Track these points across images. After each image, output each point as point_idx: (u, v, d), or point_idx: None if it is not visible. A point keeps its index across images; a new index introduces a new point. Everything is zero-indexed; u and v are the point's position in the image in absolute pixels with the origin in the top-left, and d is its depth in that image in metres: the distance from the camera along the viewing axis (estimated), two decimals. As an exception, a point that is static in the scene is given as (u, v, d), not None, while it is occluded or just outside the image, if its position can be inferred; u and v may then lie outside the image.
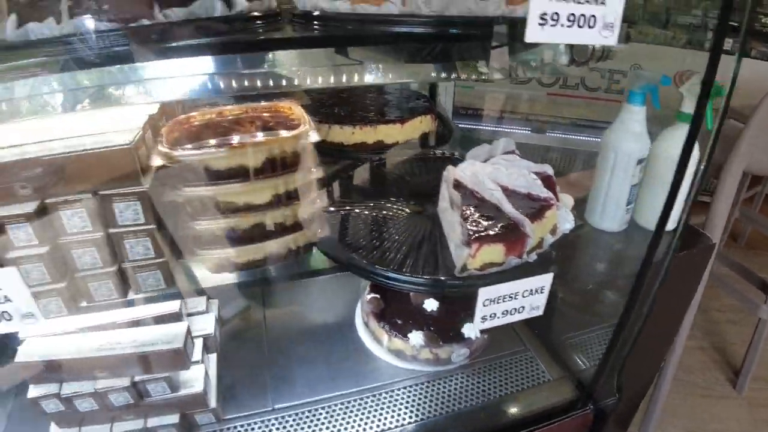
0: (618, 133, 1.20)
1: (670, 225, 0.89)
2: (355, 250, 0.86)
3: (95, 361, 0.89)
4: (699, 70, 1.34)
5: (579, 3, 0.59)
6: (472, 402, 1.03)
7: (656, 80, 1.29)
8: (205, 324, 1.04)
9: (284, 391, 1.04)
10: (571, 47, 0.87)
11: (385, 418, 0.99)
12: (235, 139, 0.73)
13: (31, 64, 0.69)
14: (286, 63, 0.75)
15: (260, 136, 0.73)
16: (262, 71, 0.74)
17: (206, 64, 0.72)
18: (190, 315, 1.05)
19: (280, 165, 0.72)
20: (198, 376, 0.94)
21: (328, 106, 1.23)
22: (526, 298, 0.76)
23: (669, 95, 1.23)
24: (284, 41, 0.74)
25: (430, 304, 1.09)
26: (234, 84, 0.72)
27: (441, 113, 1.27)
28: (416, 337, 1.02)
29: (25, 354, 0.89)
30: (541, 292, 0.77)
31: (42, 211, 0.73)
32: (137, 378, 0.90)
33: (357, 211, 1.01)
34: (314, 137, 0.73)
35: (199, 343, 0.99)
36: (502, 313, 0.76)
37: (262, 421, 1.00)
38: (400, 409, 1.01)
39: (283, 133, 0.72)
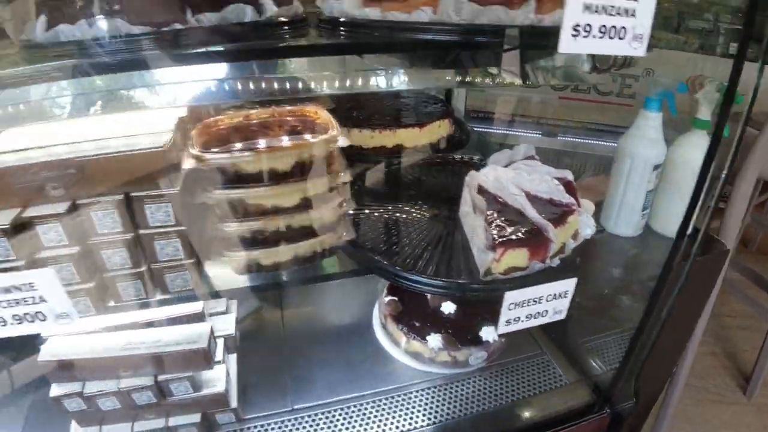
0: (634, 139, 1.21)
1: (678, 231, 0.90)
2: (378, 253, 0.87)
3: (120, 360, 0.90)
4: (711, 75, 1.35)
5: (611, 15, 0.60)
6: (489, 405, 1.04)
7: (672, 87, 1.30)
8: (226, 324, 1.05)
9: (303, 391, 1.05)
10: (593, 55, 0.88)
11: (404, 420, 1.00)
12: (267, 142, 0.74)
13: (52, 67, 0.70)
14: (309, 68, 0.76)
15: (292, 140, 0.74)
16: (287, 76, 0.75)
17: (233, 68, 0.73)
18: (210, 315, 1.06)
19: (310, 168, 0.74)
20: (220, 376, 0.96)
21: (346, 109, 1.24)
22: (549, 302, 0.77)
23: (680, 100, 1.24)
24: (314, 47, 0.75)
25: (448, 307, 1.10)
26: (259, 87, 0.73)
27: (458, 117, 1.28)
28: (435, 340, 1.03)
29: (48, 353, 0.90)
30: (565, 297, 0.78)
31: (73, 212, 0.74)
32: (161, 377, 0.91)
33: (376, 214, 1.02)
34: (343, 141, 0.74)
35: (220, 343, 1.00)
36: (526, 317, 0.77)
37: (282, 422, 1.01)
38: (418, 411, 1.02)
39: (316, 137, 0.73)
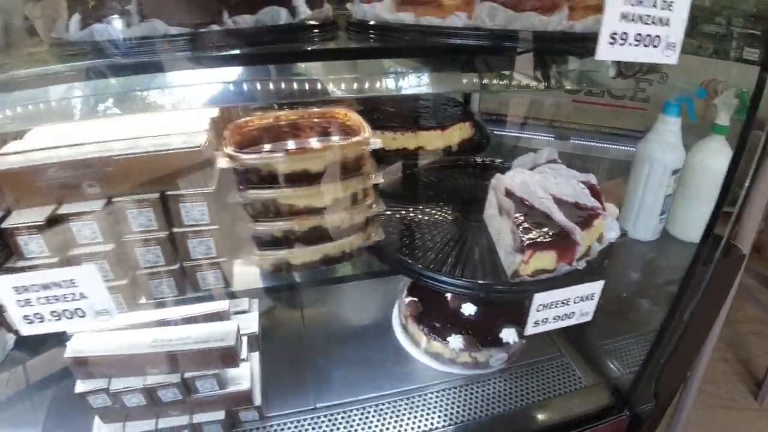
0: (653, 144, 1.22)
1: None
2: (405, 253, 0.88)
3: (146, 357, 0.91)
4: (724, 79, 1.36)
5: (646, 24, 0.61)
6: (508, 406, 1.05)
7: (689, 91, 1.31)
8: (249, 323, 1.06)
9: (324, 390, 1.06)
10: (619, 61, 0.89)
11: (425, 420, 1.01)
12: (300, 143, 0.75)
13: (85, 66, 0.70)
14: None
15: (326, 142, 0.75)
16: (317, 78, 0.76)
17: (253, 70, 0.74)
18: (233, 314, 1.07)
19: (343, 169, 0.75)
20: (245, 374, 0.97)
21: (367, 111, 1.24)
22: (576, 304, 0.78)
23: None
24: (346, 51, 0.76)
25: (468, 308, 1.11)
26: (292, 89, 0.74)
27: (478, 120, 1.29)
28: (456, 341, 1.04)
29: (73, 350, 0.91)
30: (591, 299, 0.79)
31: (109, 210, 0.76)
32: (187, 374, 0.92)
33: (398, 216, 1.03)
34: (376, 143, 0.75)
35: (243, 342, 1.01)
36: (554, 319, 0.78)
37: (302, 420, 1.02)
38: (437, 412, 1.03)
39: (350, 139, 0.74)
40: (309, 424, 1.01)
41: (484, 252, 0.90)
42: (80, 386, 0.92)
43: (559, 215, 0.81)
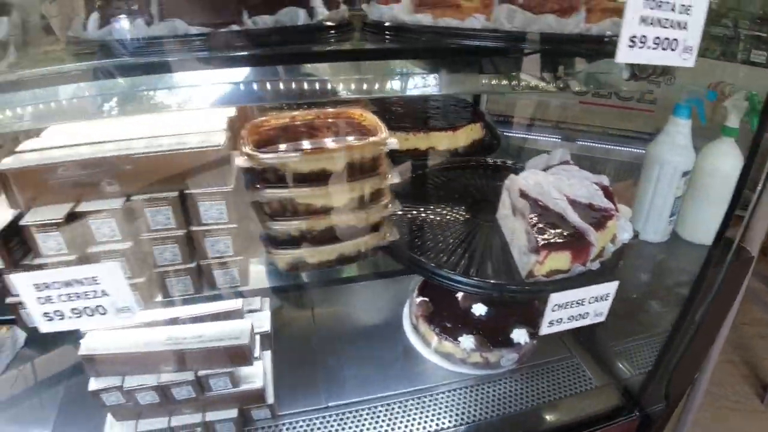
0: (663, 146, 1.22)
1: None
2: (418, 253, 0.88)
3: (161, 355, 0.91)
4: (731, 81, 1.36)
5: (664, 27, 0.62)
6: (519, 406, 1.05)
7: (698, 94, 1.32)
8: (261, 321, 1.06)
9: (335, 390, 1.06)
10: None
11: (436, 419, 1.01)
12: (319, 143, 0.75)
13: (102, 65, 0.71)
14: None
15: (345, 142, 0.75)
16: (336, 78, 0.76)
17: (284, 70, 0.75)
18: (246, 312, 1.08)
19: (360, 169, 0.75)
20: (258, 372, 0.97)
21: (377, 113, 1.25)
22: (591, 304, 0.79)
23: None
24: (366, 52, 0.77)
25: (479, 309, 1.11)
26: (312, 88, 0.74)
27: (489, 122, 1.30)
28: (467, 341, 1.04)
29: (87, 347, 0.92)
30: (606, 299, 0.79)
31: (127, 208, 0.76)
32: (201, 372, 0.93)
33: (410, 216, 1.03)
34: (394, 143, 0.76)
35: (257, 340, 1.02)
36: (568, 319, 0.78)
37: (316, 419, 1.02)
38: (447, 411, 1.03)
39: (368, 139, 0.74)
40: (321, 423, 1.01)
41: (497, 252, 0.90)
42: (94, 384, 0.92)
43: (573, 216, 0.82)
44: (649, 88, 2.06)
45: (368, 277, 1.37)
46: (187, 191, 0.74)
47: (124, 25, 0.69)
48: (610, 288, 0.79)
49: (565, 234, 0.80)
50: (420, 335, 1.13)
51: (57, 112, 0.70)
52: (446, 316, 1.10)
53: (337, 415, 1.03)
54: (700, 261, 0.96)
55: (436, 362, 1.10)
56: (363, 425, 1.01)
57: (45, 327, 0.70)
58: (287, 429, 1.01)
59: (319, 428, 1.01)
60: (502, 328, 1.07)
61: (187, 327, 0.94)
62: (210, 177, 0.73)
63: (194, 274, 0.81)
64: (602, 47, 0.75)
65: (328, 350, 1.15)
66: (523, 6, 0.69)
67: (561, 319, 0.78)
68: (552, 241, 0.79)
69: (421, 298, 1.14)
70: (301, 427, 1.01)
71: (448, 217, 1.02)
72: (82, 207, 0.77)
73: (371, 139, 0.75)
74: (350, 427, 1.01)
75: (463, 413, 1.03)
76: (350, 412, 1.03)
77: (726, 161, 1.20)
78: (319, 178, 0.74)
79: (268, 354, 1.06)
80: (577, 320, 0.79)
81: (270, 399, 0.99)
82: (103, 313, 0.68)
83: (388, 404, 1.04)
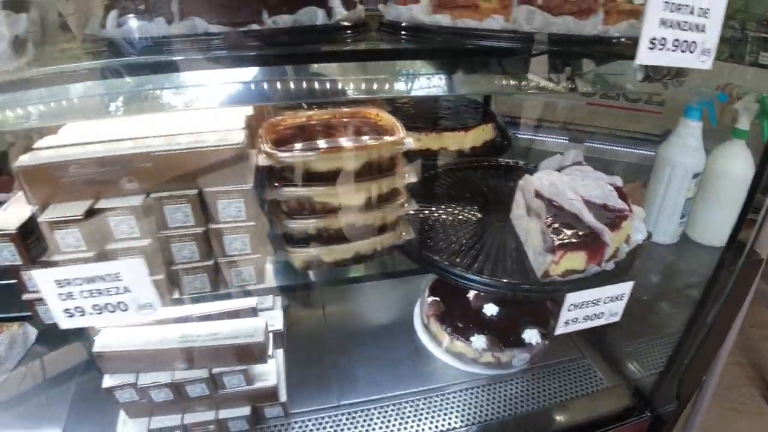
0: (675, 147, 1.22)
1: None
2: (433, 252, 0.89)
3: (175, 352, 0.92)
4: (740, 83, 1.36)
5: (683, 30, 0.62)
6: (530, 406, 1.05)
7: (708, 95, 1.32)
8: (273, 320, 1.07)
9: (347, 388, 1.07)
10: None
11: (447, 419, 1.02)
12: (336, 142, 0.76)
13: (119, 63, 0.71)
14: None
15: (364, 141, 0.76)
16: (350, 77, 0.77)
17: (299, 69, 0.75)
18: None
19: (377, 168, 0.76)
20: (271, 370, 0.98)
21: (389, 113, 1.26)
22: (606, 304, 0.79)
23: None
24: (384, 52, 0.77)
25: (491, 309, 1.12)
26: (329, 88, 0.75)
27: (500, 123, 1.30)
28: (479, 341, 1.04)
29: (101, 344, 0.92)
30: (621, 299, 0.80)
31: (147, 206, 0.77)
32: (215, 370, 0.93)
33: (422, 215, 1.04)
34: (411, 143, 0.76)
35: (270, 338, 1.02)
36: (584, 318, 0.79)
37: (327, 417, 1.02)
38: (459, 411, 1.03)
39: (387, 139, 0.75)
40: (332, 421, 1.02)
41: (511, 252, 0.91)
42: (108, 381, 0.93)
43: (588, 216, 0.82)
44: (657, 90, 2.06)
45: (375, 277, 1.38)
46: (206, 189, 0.74)
47: (142, 24, 0.70)
48: (625, 288, 0.79)
49: (580, 234, 0.81)
50: (431, 335, 1.13)
51: (72, 110, 0.71)
52: (458, 316, 1.10)
53: (348, 413, 1.03)
54: (710, 263, 0.96)
55: (448, 362, 1.10)
56: (374, 424, 1.01)
57: (65, 323, 0.71)
58: (299, 427, 1.01)
59: (330, 426, 1.01)
60: (513, 329, 1.08)
61: (201, 324, 0.95)
62: (229, 175, 0.73)
63: (211, 272, 0.81)
64: (619, 49, 0.76)
65: (338, 349, 1.16)
66: (542, 7, 0.69)
67: (576, 318, 0.78)
68: (567, 241, 0.79)
69: (432, 298, 1.14)
70: (312, 425, 1.02)
71: (460, 217, 1.03)
72: (102, 204, 0.78)
73: (390, 138, 0.75)
74: (361, 426, 1.01)
75: (473, 413, 1.04)
76: (361, 411, 1.04)
77: (737, 163, 1.20)
78: (337, 177, 0.75)
79: (280, 352, 1.06)
80: (592, 320, 0.80)
81: (283, 397, 0.99)
82: (125, 310, 0.69)
83: (399, 403, 1.05)
